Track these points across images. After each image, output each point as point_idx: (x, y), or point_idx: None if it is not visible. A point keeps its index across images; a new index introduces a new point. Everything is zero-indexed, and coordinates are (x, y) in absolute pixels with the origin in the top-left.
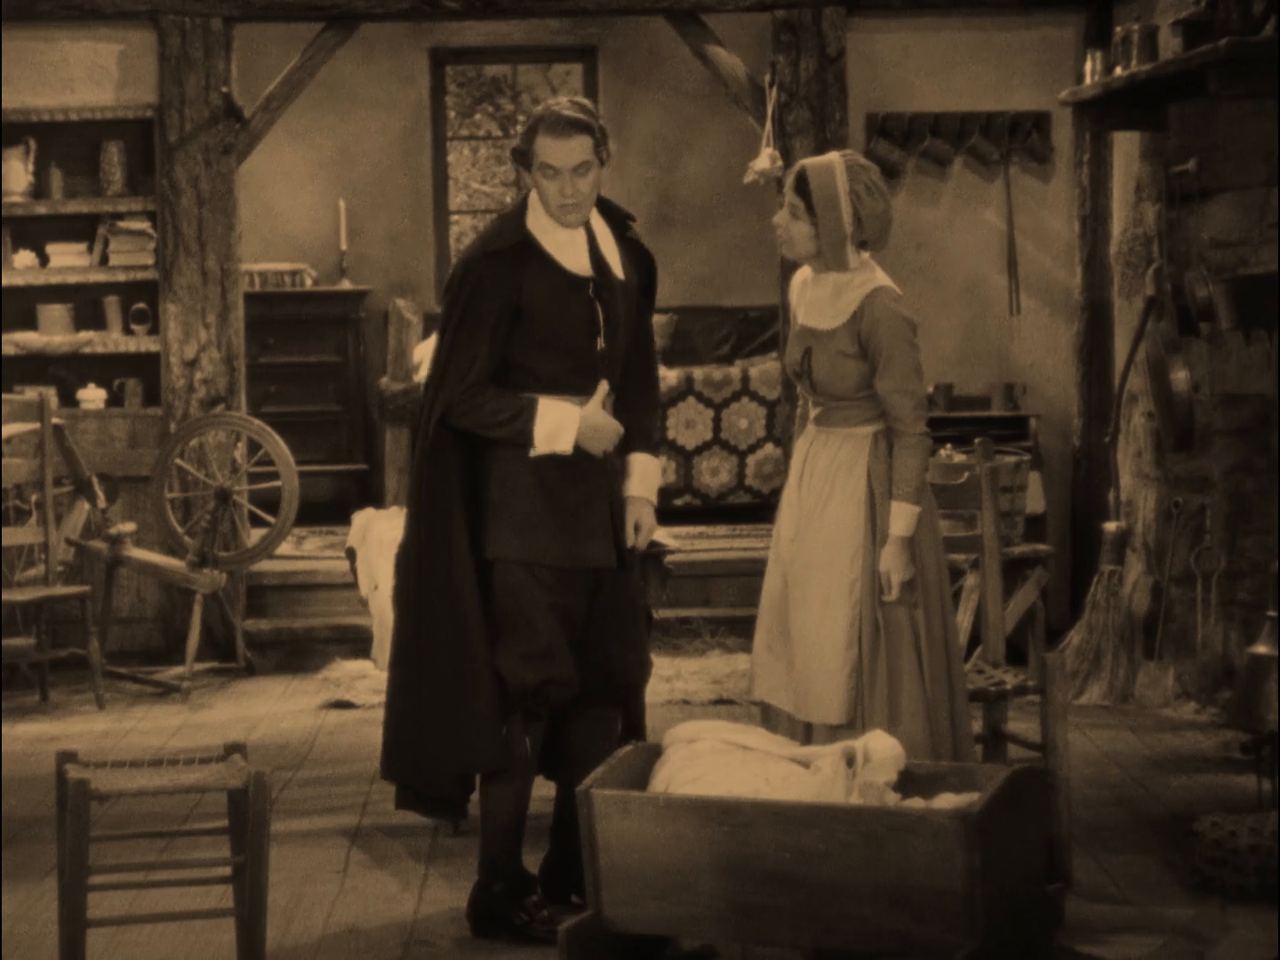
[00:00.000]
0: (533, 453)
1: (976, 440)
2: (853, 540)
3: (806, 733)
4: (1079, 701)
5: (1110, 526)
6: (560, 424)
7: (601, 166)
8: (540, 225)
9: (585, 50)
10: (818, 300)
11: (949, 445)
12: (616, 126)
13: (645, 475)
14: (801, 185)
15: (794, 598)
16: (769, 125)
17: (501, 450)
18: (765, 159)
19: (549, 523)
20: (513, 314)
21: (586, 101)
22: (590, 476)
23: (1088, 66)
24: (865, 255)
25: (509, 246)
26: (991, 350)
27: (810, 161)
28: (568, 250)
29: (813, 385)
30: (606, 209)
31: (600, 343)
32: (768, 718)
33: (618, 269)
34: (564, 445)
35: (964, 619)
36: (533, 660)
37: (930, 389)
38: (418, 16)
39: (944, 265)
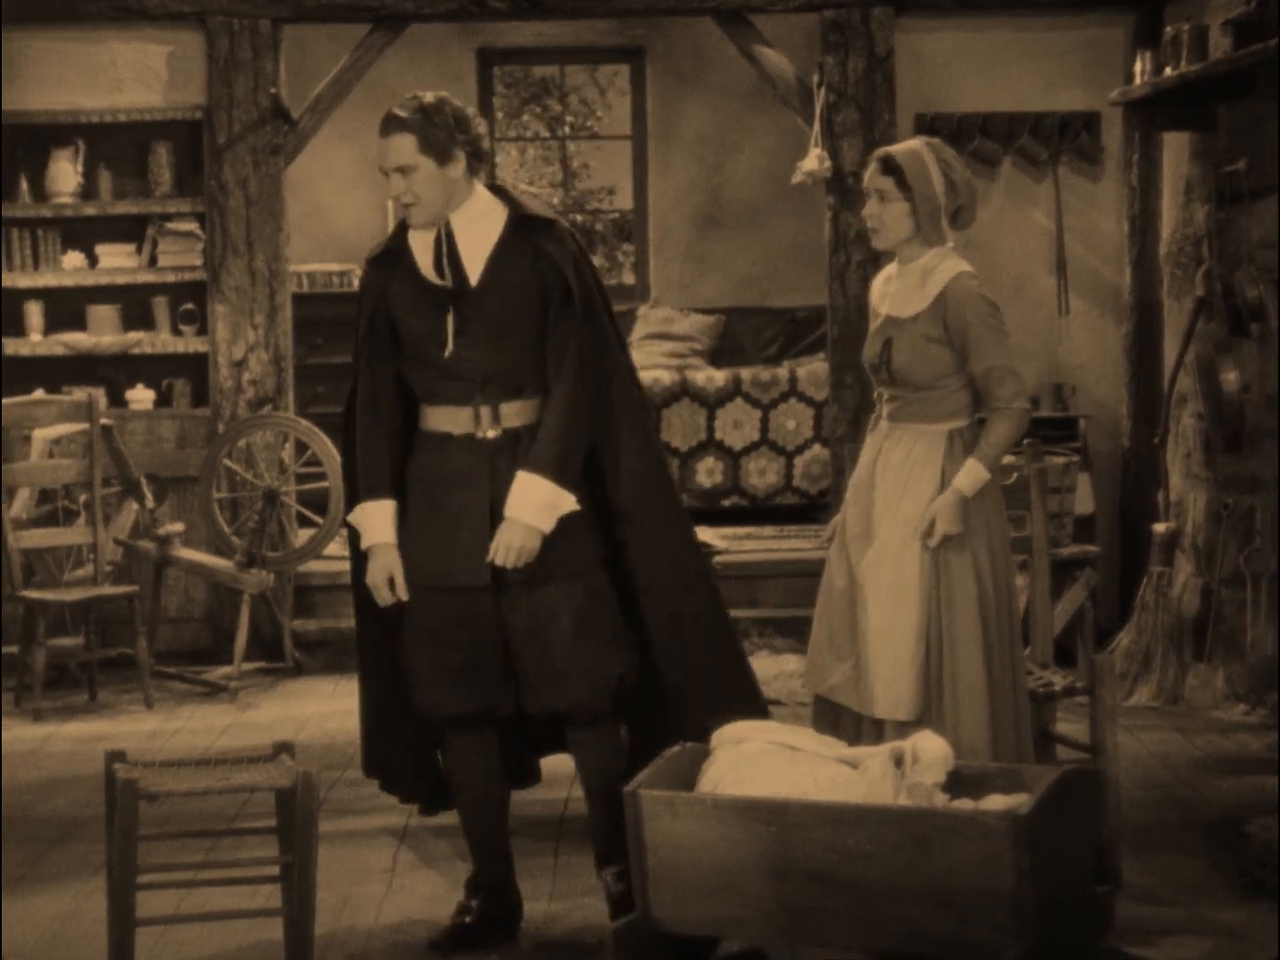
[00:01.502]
0: (349, 516)
1: (1025, 441)
2: (922, 540)
3: (876, 730)
4: (1128, 703)
5: (1159, 528)
6: (365, 527)
7: (443, 165)
8: (417, 238)
9: (633, 51)
10: (902, 290)
11: None
12: (664, 127)
13: (520, 494)
14: (888, 167)
15: (862, 595)
16: (817, 125)
17: (409, 454)
18: (813, 159)
19: (424, 538)
20: (388, 323)
21: (432, 97)
22: (471, 485)
23: (1137, 66)
24: (949, 243)
25: (385, 251)
26: (1040, 351)
27: (892, 147)
28: (427, 255)
29: (891, 376)
30: (515, 208)
31: (449, 349)
32: (822, 717)
33: (474, 271)
34: (362, 541)
35: None
36: (433, 687)
37: None
38: (465, 17)
39: (993, 265)
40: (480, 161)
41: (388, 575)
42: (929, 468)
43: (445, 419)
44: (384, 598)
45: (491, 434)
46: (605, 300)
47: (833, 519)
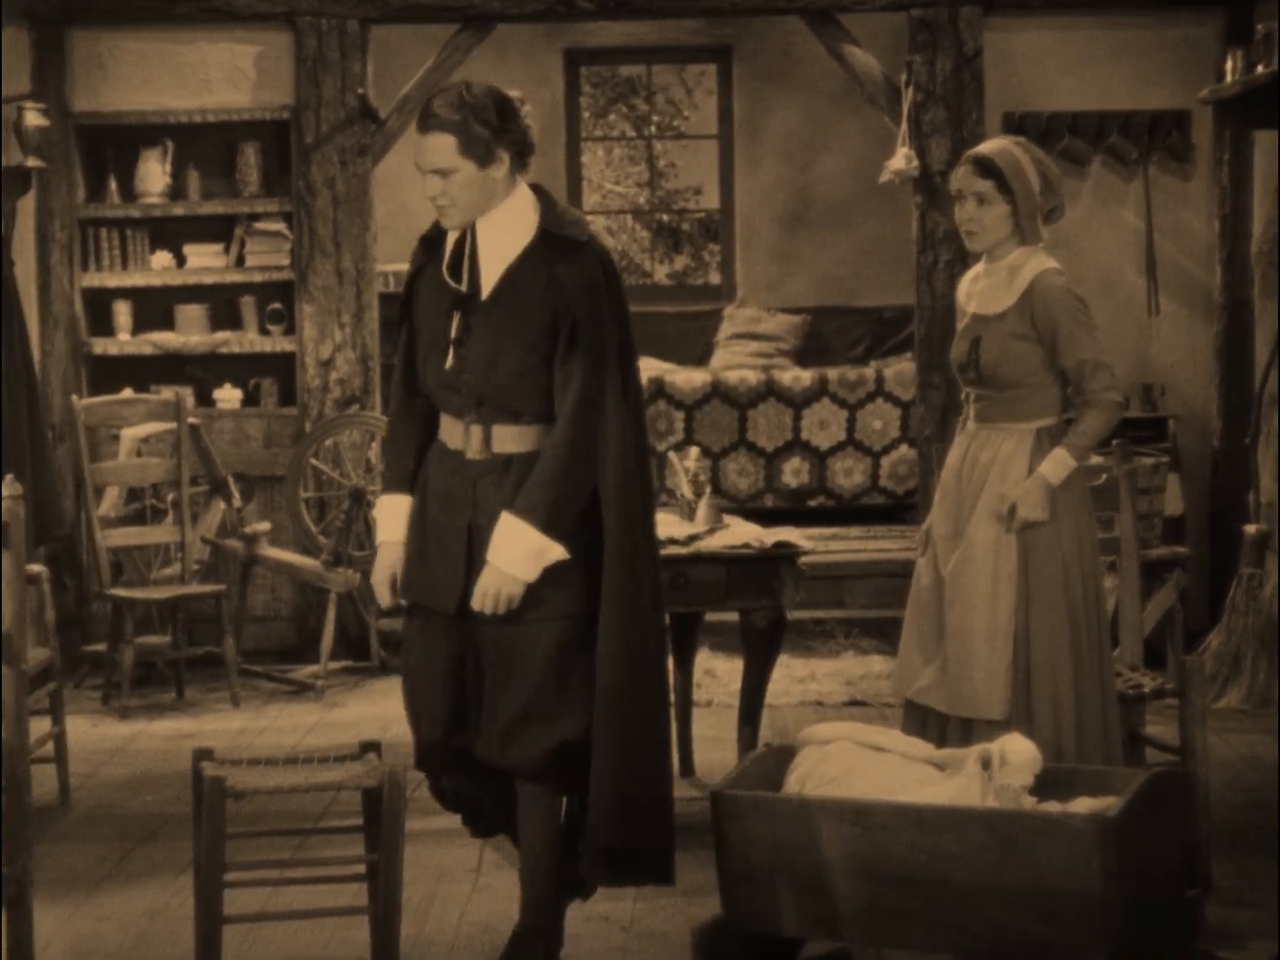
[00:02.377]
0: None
1: (1115, 441)
2: (1010, 536)
3: (963, 731)
4: (1218, 705)
5: (1250, 529)
6: (380, 522)
7: (485, 167)
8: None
9: (720, 50)
10: (990, 288)
11: None
12: (751, 126)
13: (504, 539)
14: (986, 169)
15: (950, 595)
16: (904, 125)
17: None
18: (901, 159)
19: (412, 550)
20: (411, 308)
21: (477, 89)
22: (453, 507)
23: (1228, 65)
24: (1044, 240)
25: (430, 236)
26: (1130, 351)
27: (982, 149)
28: (452, 255)
29: (979, 374)
30: (548, 221)
31: (449, 361)
32: (911, 720)
33: (488, 283)
34: (378, 535)
35: None
36: (412, 717)
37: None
38: (553, 17)
39: (1082, 265)
40: (526, 158)
41: (391, 574)
42: (1017, 466)
43: (448, 430)
44: (383, 597)
45: (478, 456)
46: (623, 333)
47: (923, 524)
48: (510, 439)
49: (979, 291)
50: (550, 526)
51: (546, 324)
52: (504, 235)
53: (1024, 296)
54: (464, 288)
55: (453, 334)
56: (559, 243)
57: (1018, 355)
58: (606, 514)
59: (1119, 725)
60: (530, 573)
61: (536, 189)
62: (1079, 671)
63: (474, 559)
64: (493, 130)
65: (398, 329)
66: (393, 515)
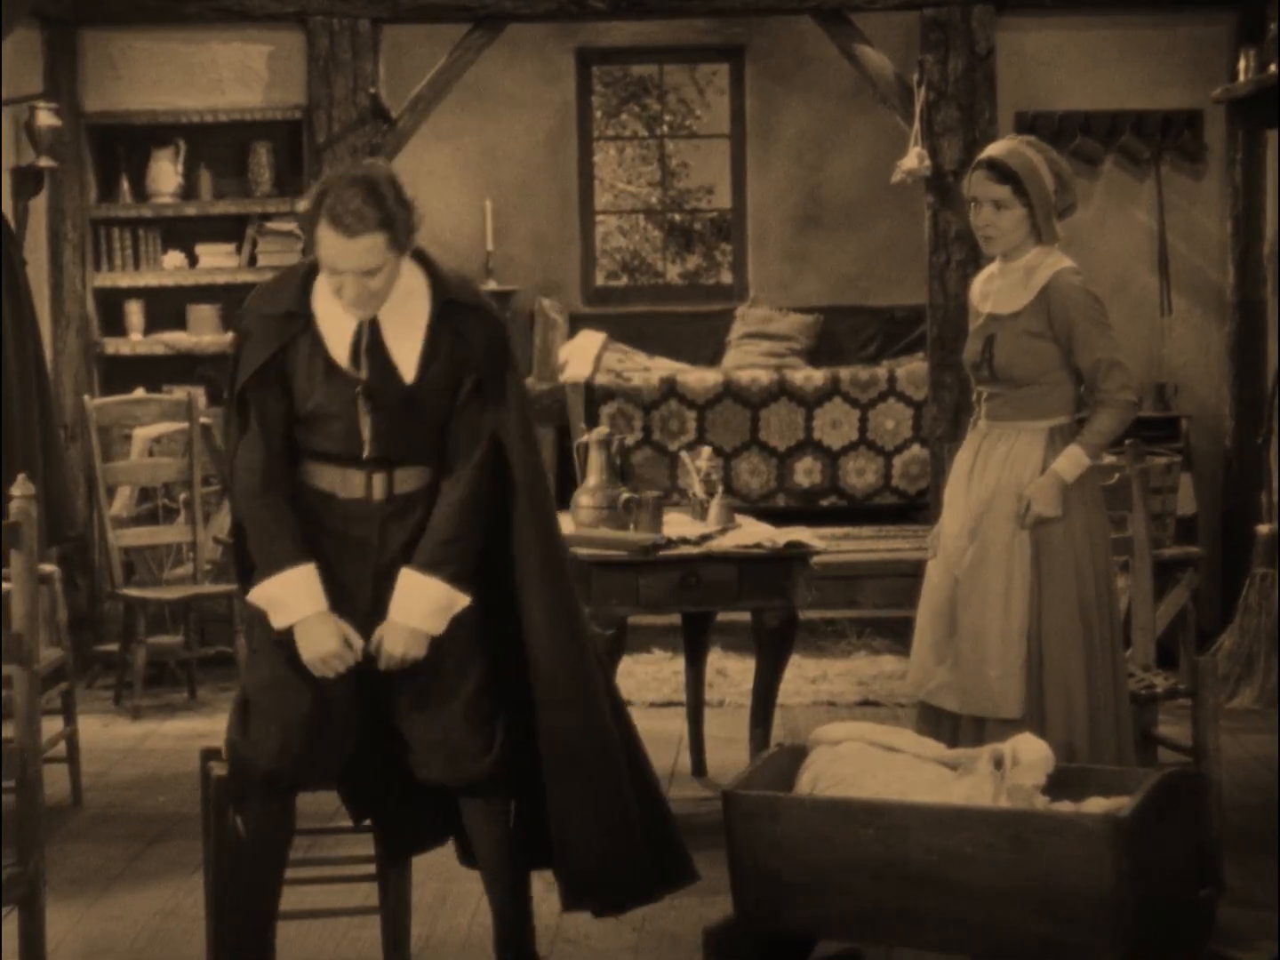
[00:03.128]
0: (250, 594)
1: (1127, 441)
2: (1023, 534)
3: (975, 731)
4: (1230, 705)
5: (1263, 529)
6: (284, 600)
7: (404, 253)
8: (325, 297)
9: (732, 50)
10: (1006, 288)
11: None
12: (763, 126)
13: (408, 595)
14: (1002, 174)
15: (963, 594)
16: (917, 124)
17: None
18: (913, 158)
19: None
20: (282, 380)
21: (387, 176)
22: (361, 555)
23: (1241, 64)
24: (1059, 239)
25: (283, 314)
26: (1142, 350)
27: (995, 152)
28: (343, 336)
29: (993, 373)
30: (439, 289)
31: (366, 450)
32: (925, 721)
33: (407, 368)
34: (275, 620)
35: None
36: (265, 740)
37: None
38: (564, 16)
39: (1094, 265)
40: (413, 235)
41: (341, 638)
42: (1030, 464)
43: (333, 479)
44: (348, 662)
45: (382, 499)
46: (519, 386)
47: (935, 526)
48: (411, 479)
49: (994, 291)
50: (458, 578)
51: (455, 386)
52: (405, 313)
53: (1040, 295)
54: (365, 375)
55: (365, 425)
56: (457, 308)
57: (1033, 354)
58: (521, 524)
59: (1132, 725)
60: (439, 627)
61: (416, 254)
62: (1091, 671)
63: (379, 606)
64: (409, 214)
65: (242, 393)
66: (305, 587)
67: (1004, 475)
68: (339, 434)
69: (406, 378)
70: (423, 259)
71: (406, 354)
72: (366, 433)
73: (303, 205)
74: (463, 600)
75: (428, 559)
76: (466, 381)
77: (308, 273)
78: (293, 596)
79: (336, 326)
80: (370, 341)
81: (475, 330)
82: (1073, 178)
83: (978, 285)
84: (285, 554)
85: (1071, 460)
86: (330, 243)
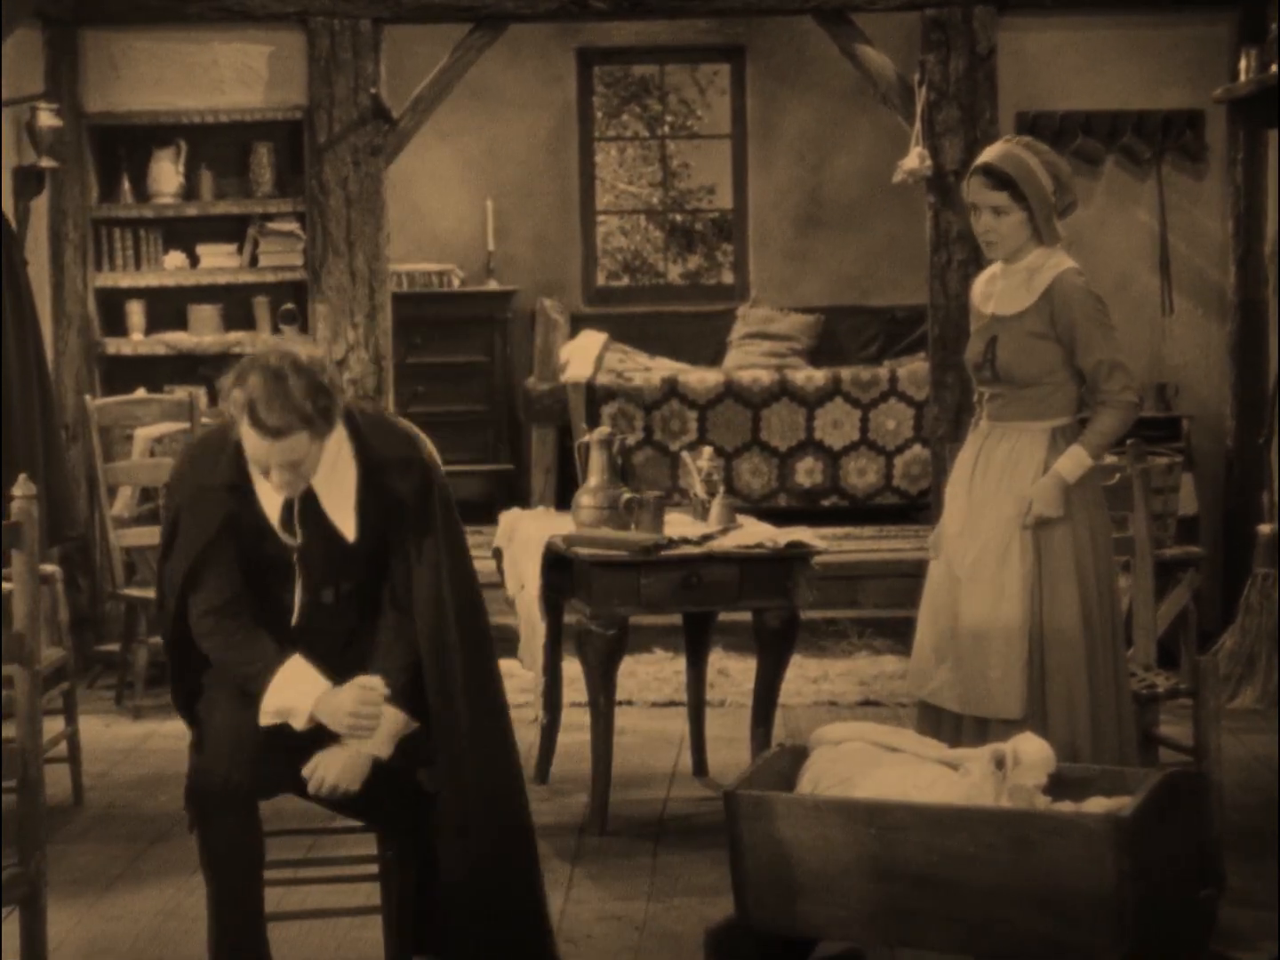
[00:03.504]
0: (261, 719)
1: (1128, 441)
2: (1025, 534)
3: (977, 731)
4: (1232, 705)
5: (1264, 529)
6: (293, 707)
7: (327, 435)
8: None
9: (733, 50)
10: (1009, 289)
11: None
12: (764, 126)
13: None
14: (999, 180)
15: (964, 594)
16: (918, 124)
17: None
18: (914, 158)
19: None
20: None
21: (305, 369)
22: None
23: (1242, 64)
24: (1061, 238)
25: (223, 485)
26: (1143, 350)
27: (990, 157)
28: (276, 504)
29: (995, 374)
30: (364, 451)
31: (295, 617)
32: (925, 721)
33: (347, 528)
34: (297, 724)
35: None
36: (234, 752)
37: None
38: (565, 16)
39: (1095, 264)
40: (335, 416)
41: (353, 691)
42: (1031, 464)
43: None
44: (375, 702)
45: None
46: (451, 526)
47: (936, 526)
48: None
49: (997, 292)
50: (410, 706)
51: (387, 533)
52: (338, 480)
53: (1044, 296)
54: (300, 541)
55: (299, 587)
56: (384, 463)
57: (1036, 354)
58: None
59: (1134, 725)
60: (388, 750)
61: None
62: (1093, 671)
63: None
64: (329, 400)
65: (173, 571)
66: (301, 675)
67: (1006, 475)
68: (270, 598)
69: (349, 537)
70: (348, 419)
71: (344, 515)
72: (298, 612)
73: (225, 384)
74: (411, 724)
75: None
76: (394, 529)
77: (237, 439)
78: (296, 697)
79: (271, 494)
80: (305, 508)
81: (401, 484)
82: (1071, 176)
83: (979, 286)
84: (270, 657)
85: (1074, 460)
86: (254, 441)
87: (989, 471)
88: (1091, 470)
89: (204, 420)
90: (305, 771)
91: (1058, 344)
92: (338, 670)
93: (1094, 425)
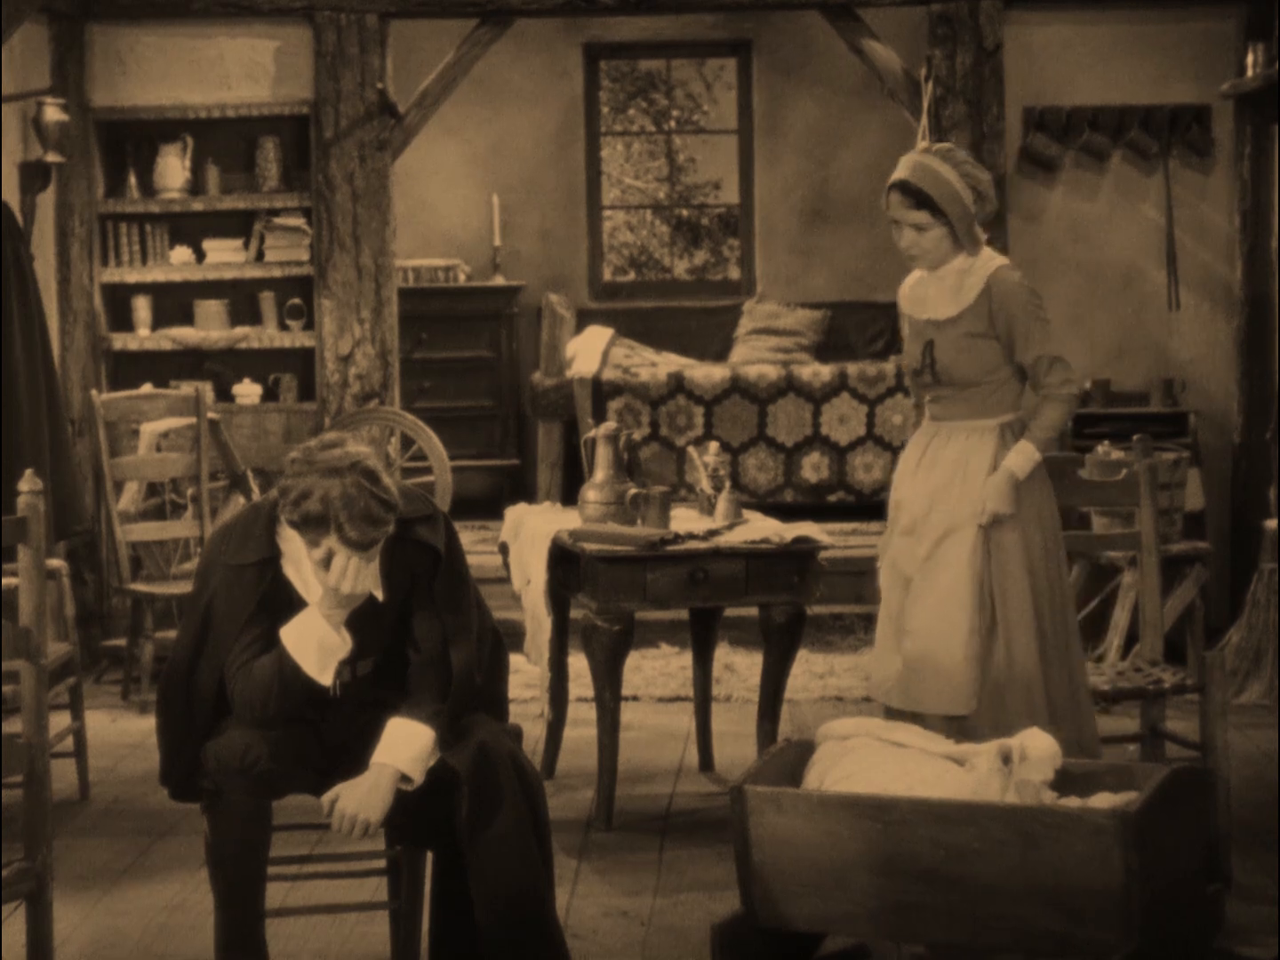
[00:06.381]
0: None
1: (1135, 436)
2: (974, 531)
3: (942, 730)
4: (1238, 701)
5: (1271, 524)
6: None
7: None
8: (293, 545)
9: (739, 44)
10: (941, 292)
11: (1107, 441)
12: (770, 121)
13: (392, 739)
14: (917, 200)
15: (917, 593)
16: (925, 119)
17: None
18: None
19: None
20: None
21: (376, 489)
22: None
23: (1249, 59)
24: (984, 243)
25: (255, 563)
26: (1150, 345)
27: (905, 175)
28: (314, 586)
29: (936, 377)
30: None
31: (334, 688)
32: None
33: (376, 590)
34: (335, 644)
35: (1122, 617)
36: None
37: (1088, 384)
38: (571, 11)
39: (1102, 260)
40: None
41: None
42: (983, 462)
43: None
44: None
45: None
46: (464, 582)
47: (884, 533)
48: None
49: (929, 297)
50: (440, 740)
51: (409, 589)
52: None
53: (981, 295)
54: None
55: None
56: (409, 520)
57: (975, 354)
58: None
59: (1093, 719)
60: (420, 775)
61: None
62: (1047, 666)
63: (332, 768)
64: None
65: (210, 646)
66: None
67: (959, 474)
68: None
69: (379, 597)
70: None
71: (373, 580)
72: (336, 686)
73: (291, 486)
74: (437, 753)
75: (415, 710)
76: (426, 579)
77: (271, 514)
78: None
79: (301, 564)
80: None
81: (431, 534)
82: (990, 185)
83: (907, 290)
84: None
85: (1023, 456)
86: (341, 555)
87: (937, 469)
88: (1040, 464)
89: (210, 415)
90: (324, 800)
91: (997, 342)
92: (369, 741)
93: (1038, 419)
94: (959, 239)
